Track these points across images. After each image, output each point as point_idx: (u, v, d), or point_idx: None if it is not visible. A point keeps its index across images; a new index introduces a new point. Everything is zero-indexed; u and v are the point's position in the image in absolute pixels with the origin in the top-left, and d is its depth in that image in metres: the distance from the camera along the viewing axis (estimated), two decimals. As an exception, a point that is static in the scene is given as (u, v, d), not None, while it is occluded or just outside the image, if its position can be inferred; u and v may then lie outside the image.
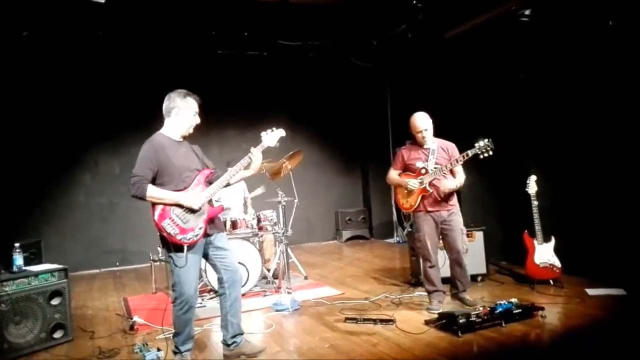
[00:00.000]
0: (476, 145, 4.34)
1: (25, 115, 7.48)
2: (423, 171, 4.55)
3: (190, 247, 3.41)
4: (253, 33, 7.80)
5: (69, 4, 6.18)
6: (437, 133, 4.73)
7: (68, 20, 6.72)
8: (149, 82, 7.83)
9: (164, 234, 3.34)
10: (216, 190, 3.56)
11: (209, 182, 3.60)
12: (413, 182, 4.56)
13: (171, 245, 3.38)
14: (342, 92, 9.78)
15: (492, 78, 6.70)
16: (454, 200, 4.65)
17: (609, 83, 5.20)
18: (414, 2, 6.50)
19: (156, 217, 3.35)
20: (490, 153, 4.30)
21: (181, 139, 3.61)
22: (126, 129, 7.95)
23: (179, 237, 3.35)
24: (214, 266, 3.67)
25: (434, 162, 4.55)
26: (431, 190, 4.53)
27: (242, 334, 3.73)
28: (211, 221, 3.56)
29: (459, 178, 4.57)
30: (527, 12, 5.99)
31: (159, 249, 5.64)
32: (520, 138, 6.16)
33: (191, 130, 3.62)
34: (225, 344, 3.68)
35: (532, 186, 5.13)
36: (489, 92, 6.77)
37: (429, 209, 4.58)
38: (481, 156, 4.33)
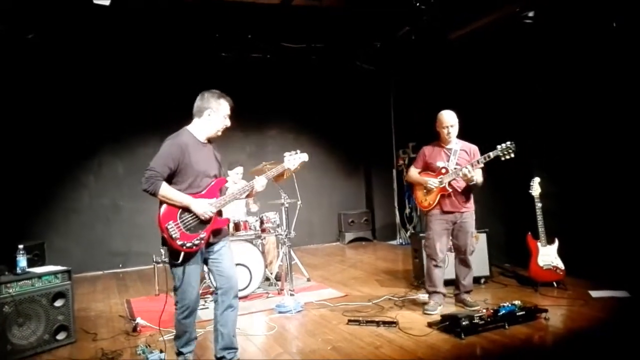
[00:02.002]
0: (498, 147, 4.34)
1: (29, 117, 7.51)
2: (443, 170, 4.55)
3: (188, 254, 3.30)
4: (256, 35, 7.83)
5: (74, 7, 6.20)
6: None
7: (73, 22, 6.75)
8: (152, 84, 7.87)
9: (165, 235, 3.26)
10: (225, 204, 3.45)
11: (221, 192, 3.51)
12: (433, 181, 4.56)
13: (169, 250, 3.33)
14: (346, 94, 9.79)
15: (495, 80, 6.69)
16: (471, 202, 4.66)
17: (613, 85, 5.19)
18: (418, 4, 6.50)
19: (161, 216, 3.25)
20: (512, 155, 4.29)
21: (206, 141, 3.47)
22: (130, 130, 7.97)
23: (179, 242, 3.25)
24: (210, 272, 3.60)
25: (455, 162, 4.55)
26: (450, 190, 4.53)
27: (234, 349, 3.50)
28: (217, 231, 3.46)
29: (479, 177, 4.51)
30: (530, 14, 5.99)
31: (162, 251, 5.65)
32: (524, 140, 6.11)
33: (219, 134, 3.49)
34: (215, 358, 3.48)
35: (535, 188, 5.12)
36: (492, 94, 6.76)
37: (445, 209, 4.58)
38: (502, 158, 4.32)
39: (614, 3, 5.12)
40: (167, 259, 3.45)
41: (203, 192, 3.38)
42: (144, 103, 7.80)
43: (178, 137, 3.38)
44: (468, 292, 4.77)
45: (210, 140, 3.51)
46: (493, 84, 6.74)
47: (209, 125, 3.43)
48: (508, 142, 4.31)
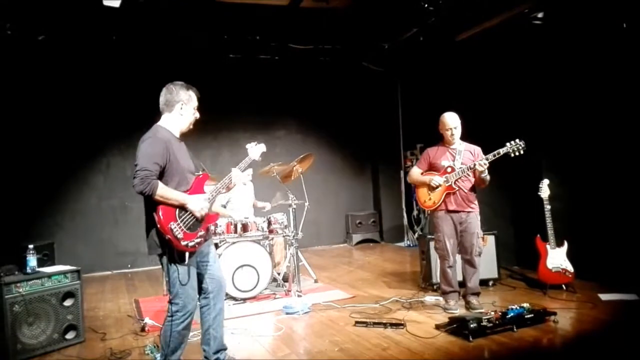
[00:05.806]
0: (507, 144, 4.37)
1: (39, 118, 7.57)
2: (449, 169, 4.59)
3: (191, 254, 3.19)
4: (264, 37, 7.84)
5: (84, 8, 6.25)
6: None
7: (83, 24, 6.80)
8: (161, 85, 7.86)
9: (170, 236, 3.06)
10: (214, 199, 3.36)
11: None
12: (437, 179, 4.61)
13: (175, 253, 3.13)
14: (353, 95, 9.78)
15: (504, 81, 6.66)
16: (475, 203, 4.69)
17: (623, 85, 5.15)
18: (426, 5, 6.49)
19: (162, 218, 3.06)
20: (522, 152, 4.34)
21: (179, 137, 3.37)
22: (138, 131, 7.90)
23: (183, 242, 3.11)
24: (199, 275, 3.38)
25: (460, 162, 4.60)
26: (456, 189, 4.56)
27: (225, 349, 3.46)
28: (207, 230, 3.36)
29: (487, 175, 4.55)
30: (539, 14, 5.96)
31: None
32: (532, 141, 6.08)
33: (191, 127, 3.42)
34: None
35: (544, 190, 5.09)
36: (500, 95, 6.73)
37: (450, 208, 4.61)
38: (512, 155, 4.36)
39: (624, 3, 5.09)
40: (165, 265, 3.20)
41: (189, 190, 3.26)
42: (153, 104, 7.78)
43: (157, 133, 3.25)
44: (475, 294, 4.75)
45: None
46: (501, 85, 6.71)
47: (181, 119, 3.36)
48: (517, 140, 4.35)
